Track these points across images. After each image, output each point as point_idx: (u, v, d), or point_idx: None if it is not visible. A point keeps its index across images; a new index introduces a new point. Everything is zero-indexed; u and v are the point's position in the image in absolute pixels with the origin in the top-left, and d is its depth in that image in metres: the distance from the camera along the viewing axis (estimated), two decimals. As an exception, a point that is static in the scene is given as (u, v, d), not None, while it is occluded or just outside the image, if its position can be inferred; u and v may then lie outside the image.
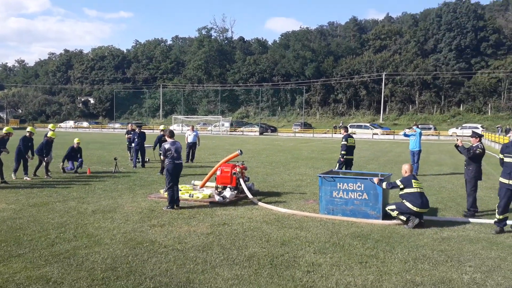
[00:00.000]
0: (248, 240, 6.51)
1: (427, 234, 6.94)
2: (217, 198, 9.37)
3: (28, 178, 12.29)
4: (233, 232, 6.93)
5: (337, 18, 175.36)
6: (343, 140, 12.16)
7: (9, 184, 11.47)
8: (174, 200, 8.65)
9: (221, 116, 63.76)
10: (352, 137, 12.60)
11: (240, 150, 10.83)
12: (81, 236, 6.63)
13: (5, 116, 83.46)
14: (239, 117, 72.39)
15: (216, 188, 10.08)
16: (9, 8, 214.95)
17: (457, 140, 8.90)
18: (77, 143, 14.36)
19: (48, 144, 13.08)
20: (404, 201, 7.48)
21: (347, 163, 12.14)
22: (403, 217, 7.39)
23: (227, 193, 9.55)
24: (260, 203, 9.11)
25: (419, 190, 7.52)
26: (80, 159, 14.17)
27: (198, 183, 11.06)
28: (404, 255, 5.87)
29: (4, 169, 11.74)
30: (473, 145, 8.65)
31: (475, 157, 8.55)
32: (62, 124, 72.01)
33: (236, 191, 9.83)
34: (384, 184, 7.75)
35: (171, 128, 58.93)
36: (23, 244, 6.17)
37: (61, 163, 14.17)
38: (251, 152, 23.56)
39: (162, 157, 9.91)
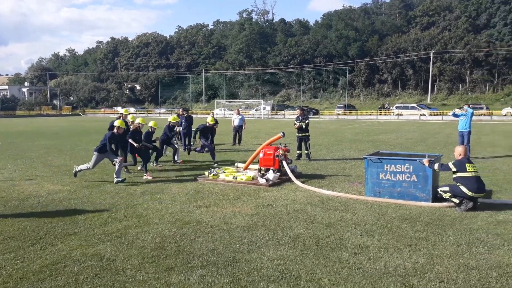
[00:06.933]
0: (292, 221, 6.49)
1: (481, 217, 6.61)
2: (260, 180, 9.40)
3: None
4: (277, 214, 6.93)
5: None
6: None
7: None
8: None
9: (262, 100, 63.71)
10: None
11: (283, 132, 10.76)
12: (131, 216, 6.88)
13: (58, 103, 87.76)
14: (280, 100, 72.05)
15: (259, 170, 10.11)
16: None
17: None
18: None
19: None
20: (458, 184, 7.14)
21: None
22: (456, 200, 7.07)
23: (270, 175, 9.55)
24: (303, 185, 9.04)
25: (474, 174, 7.10)
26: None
27: (241, 165, 11.13)
28: (457, 238, 5.63)
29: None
30: None
31: None
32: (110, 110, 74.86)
33: (279, 174, 9.82)
34: (436, 166, 7.41)
35: (214, 112, 59.82)
36: (78, 223, 6.49)
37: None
38: (293, 135, 23.34)
39: None
